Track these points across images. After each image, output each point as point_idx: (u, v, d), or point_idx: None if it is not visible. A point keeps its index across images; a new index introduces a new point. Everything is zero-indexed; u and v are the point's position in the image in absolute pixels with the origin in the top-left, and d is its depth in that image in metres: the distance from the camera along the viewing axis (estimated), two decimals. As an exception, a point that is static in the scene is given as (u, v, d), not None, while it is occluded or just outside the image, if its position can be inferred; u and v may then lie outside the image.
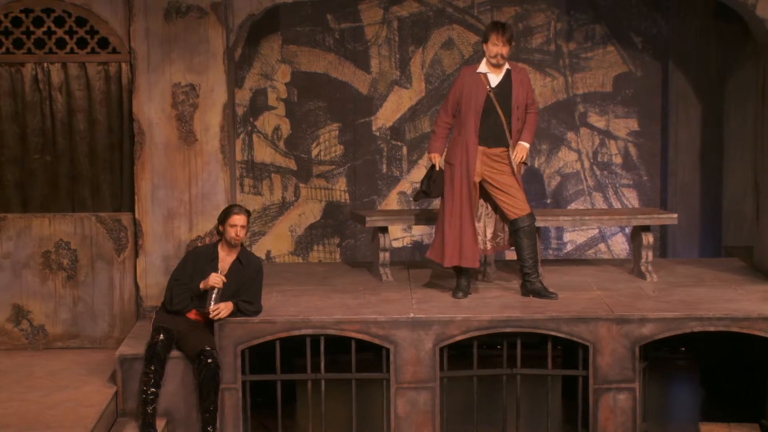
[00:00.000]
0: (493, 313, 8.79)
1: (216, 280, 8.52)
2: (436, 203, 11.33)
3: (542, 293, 9.22)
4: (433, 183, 9.29)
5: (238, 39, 9.85)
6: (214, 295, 8.53)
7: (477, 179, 9.18)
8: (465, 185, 9.11)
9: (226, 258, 8.75)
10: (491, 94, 9.09)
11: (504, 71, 9.14)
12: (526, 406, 9.03)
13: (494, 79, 9.12)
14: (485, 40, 9.13)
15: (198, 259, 8.75)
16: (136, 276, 9.70)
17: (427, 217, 10.04)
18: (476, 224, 9.30)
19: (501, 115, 9.10)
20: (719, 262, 10.85)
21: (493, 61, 9.08)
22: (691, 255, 11.49)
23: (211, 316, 8.55)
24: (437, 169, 9.26)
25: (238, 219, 8.71)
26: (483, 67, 9.16)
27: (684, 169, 11.51)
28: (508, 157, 9.15)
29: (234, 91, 10.35)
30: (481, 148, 9.12)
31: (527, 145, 9.18)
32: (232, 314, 8.63)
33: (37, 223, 9.71)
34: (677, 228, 11.37)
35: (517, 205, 9.20)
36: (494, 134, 9.14)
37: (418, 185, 11.48)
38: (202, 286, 8.58)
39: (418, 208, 11.38)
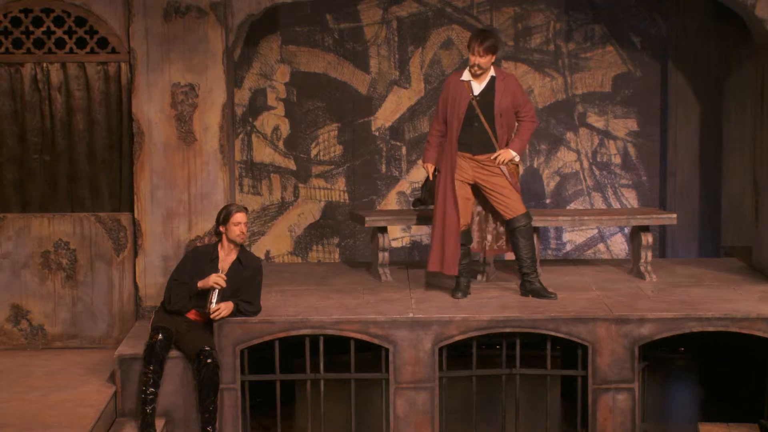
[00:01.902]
0: (492, 313, 8.79)
1: (217, 280, 8.52)
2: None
3: (541, 293, 9.22)
4: (428, 192, 9.36)
5: (238, 39, 9.85)
6: (215, 296, 8.53)
7: (470, 183, 9.18)
8: (450, 191, 9.11)
9: (225, 258, 8.75)
10: (474, 102, 9.07)
11: (488, 78, 9.10)
12: (525, 406, 9.03)
13: (477, 87, 9.08)
14: (469, 49, 9.10)
15: (198, 259, 8.75)
16: (135, 276, 9.70)
17: (426, 218, 10.03)
18: (474, 228, 9.34)
19: (484, 123, 9.09)
20: (718, 262, 10.85)
21: (472, 71, 9.05)
22: (690, 255, 11.49)
23: (212, 316, 8.55)
24: (431, 178, 9.30)
25: (241, 216, 8.72)
26: (466, 75, 9.12)
27: (683, 170, 11.51)
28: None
29: (233, 91, 10.35)
30: (467, 155, 9.12)
31: (513, 153, 9.13)
32: (231, 314, 8.64)
33: (36, 223, 9.71)
34: (676, 228, 11.37)
35: (511, 205, 9.21)
36: (479, 142, 9.12)
37: (417, 185, 11.49)
38: (200, 285, 8.58)
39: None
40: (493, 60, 9.03)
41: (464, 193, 9.19)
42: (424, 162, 9.40)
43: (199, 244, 9.43)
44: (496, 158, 9.11)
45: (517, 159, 9.20)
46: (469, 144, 9.10)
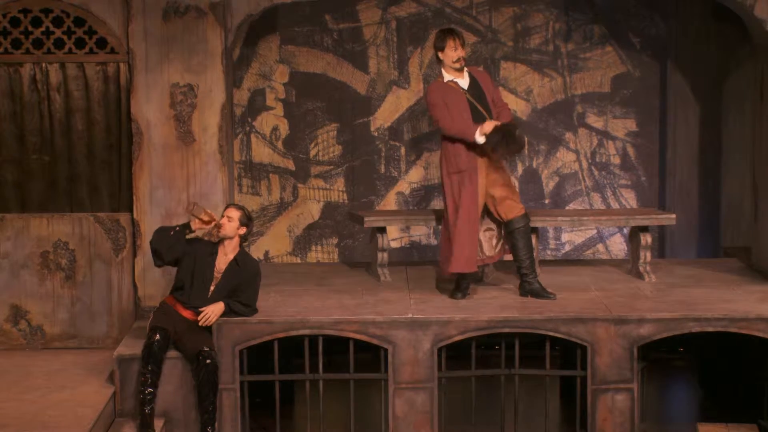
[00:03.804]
0: (491, 314, 8.79)
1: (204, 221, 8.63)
2: (435, 204, 11.34)
3: (540, 294, 9.22)
4: (501, 136, 8.99)
5: (237, 39, 9.85)
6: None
7: (483, 180, 9.18)
8: (474, 190, 9.12)
9: (223, 258, 8.75)
10: (468, 97, 9.16)
11: (466, 75, 9.26)
12: (524, 406, 9.03)
13: (463, 83, 9.23)
14: (441, 49, 9.18)
15: (199, 246, 8.74)
16: (134, 276, 9.70)
17: (425, 218, 10.04)
18: (483, 235, 9.36)
19: (484, 113, 9.15)
20: (717, 262, 10.85)
21: (456, 65, 9.18)
22: (689, 255, 11.48)
23: (200, 323, 8.56)
24: (499, 125, 8.97)
25: (227, 210, 8.75)
26: (448, 77, 9.23)
27: (682, 170, 11.51)
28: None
29: (232, 92, 10.35)
30: (484, 147, 9.16)
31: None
32: (224, 314, 8.63)
33: (36, 224, 9.70)
34: (675, 228, 11.36)
35: (512, 205, 9.22)
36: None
37: (416, 185, 11.49)
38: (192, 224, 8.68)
39: (416, 208, 11.40)
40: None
41: (479, 200, 9.20)
42: (476, 130, 8.96)
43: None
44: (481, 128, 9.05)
45: None
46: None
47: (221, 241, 8.76)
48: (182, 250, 8.67)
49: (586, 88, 11.57)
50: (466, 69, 9.27)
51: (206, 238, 8.89)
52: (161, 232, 8.72)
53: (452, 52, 9.14)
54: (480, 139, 9.02)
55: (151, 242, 8.72)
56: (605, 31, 11.48)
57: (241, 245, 8.80)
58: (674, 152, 11.49)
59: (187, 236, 8.72)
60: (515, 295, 9.36)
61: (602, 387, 8.72)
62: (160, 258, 8.69)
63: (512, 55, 11.47)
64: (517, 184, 11.48)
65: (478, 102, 9.18)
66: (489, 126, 9.01)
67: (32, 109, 9.75)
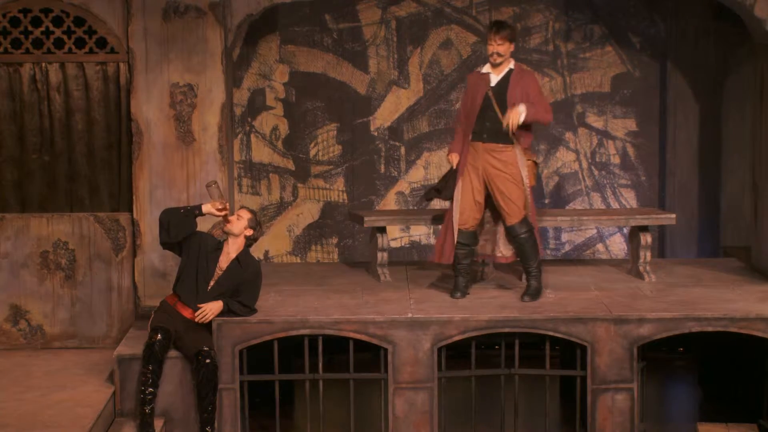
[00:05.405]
0: (491, 314, 8.79)
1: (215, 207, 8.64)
2: (435, 203, 11.34)
3: (525, 293, 9.22)
4: (446, 183, 9.27)
5: (236, 39, 9.85)
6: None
7: (477, 177, 9.16)
8: (458, 184, 9.14)
9: (226, 256, 8.75)
10: (489, 93, 9.14)
11: (505, 71, 9.21)
12: (524, 406, 9.03)
13: (494, 78, 9.20)
14: (486, 41, 9.25)
15: (207, 239, 8.75)
16: (134, 276, 9.70)
17: (425, 218, 10.03)
18: (485, 231, 9.34)
19: (498, 112, 9.12)
20: (717, 262, 10.85)
21: (491, 60, 9.17)
22: (689, 255, 11.48)
23: (197, 319, 8.56)
24: (454, 167, 9.21)
25: (240, 210, 8.79)
26: (486, 68, 9.28)
27: (682, 170, 11.51)
28: (515, 156, 9.15)
29: (232, 91, 10.35)
30: (481, 144, 9.13)
31: (521, 109, 9.02)
32: (222, 313, 8.63)
33: (35, 223, 9.71)
34: (675, 228, 11.36)
35: (512, 212, 9.17)
36: (491, 130, 9.13)
37: (416, 185, 11.48)
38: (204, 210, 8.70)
39: (416, 207, 11.39)
40: (512, 49, 9.20)
41: (477, 196, 9.17)
42: (449, 153, 9.33)
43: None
44: (505, 120, 9.04)
45: (522, 117, 9.05)
46: (481, 132, 9.14)
47: (226, 239, 8.77)
48: (189, 232, 8.65)
49: (585, 87, 11.57)
50: (512, 66, 9.22)
51: (213, 233, 8.92)
52: (170, 209, 8.71)
53: (489, 47, 9.17)
54: (450, 159, 9.27)
55: (159, 217, 8.68)
56: (605, 31, 11.48)
57: (246, 245, 8.80)
58: (674, 152, 11.49)
59: (196, 215, 8.71)
60: (515, 295, 9.36)
61: (602, 387, 8.72)
62: (167, 232, 8.64)
63: (512, 54, 11.42)
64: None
65: (498, 100, 9.15)
66: (455, 160, 9.24)
67: (32, 109, 9.75)
